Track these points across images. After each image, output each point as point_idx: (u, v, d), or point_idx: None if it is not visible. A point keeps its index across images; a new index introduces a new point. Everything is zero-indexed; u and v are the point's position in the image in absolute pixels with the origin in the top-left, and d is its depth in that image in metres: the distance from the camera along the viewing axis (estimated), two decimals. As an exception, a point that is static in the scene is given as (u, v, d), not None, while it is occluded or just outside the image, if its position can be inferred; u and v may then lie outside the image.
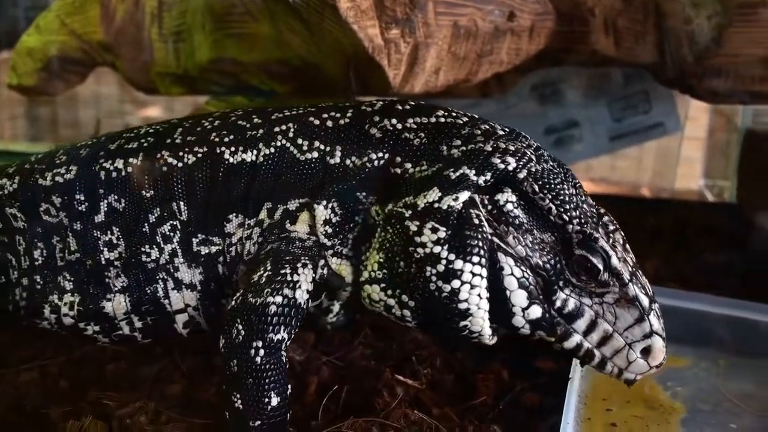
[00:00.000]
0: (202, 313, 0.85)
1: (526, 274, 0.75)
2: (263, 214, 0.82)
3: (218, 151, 0.84)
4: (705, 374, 1.01)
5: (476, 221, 0.73)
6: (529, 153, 0.77)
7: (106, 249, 0.84)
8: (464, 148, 0.77)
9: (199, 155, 0.84)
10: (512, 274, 0.74)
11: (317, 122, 0.83)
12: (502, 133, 0.80)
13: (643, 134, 1.61)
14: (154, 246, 0.83)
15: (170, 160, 0.84)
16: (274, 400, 0.74)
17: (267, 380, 0.74)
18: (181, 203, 0.83)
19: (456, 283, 0.72)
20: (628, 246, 0.81)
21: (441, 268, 0.73)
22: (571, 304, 0.76)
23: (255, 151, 0.83)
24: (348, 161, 0.81)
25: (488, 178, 0.75)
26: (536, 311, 0.75)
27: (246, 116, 0.87)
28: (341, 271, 0.81)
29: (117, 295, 0.84)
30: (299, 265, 0.77)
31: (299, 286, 0.76)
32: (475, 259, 0.72)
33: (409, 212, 0.74)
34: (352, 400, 0.90)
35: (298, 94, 1.29)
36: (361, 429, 0.81)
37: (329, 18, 1.00)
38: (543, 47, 1.26)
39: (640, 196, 2.07)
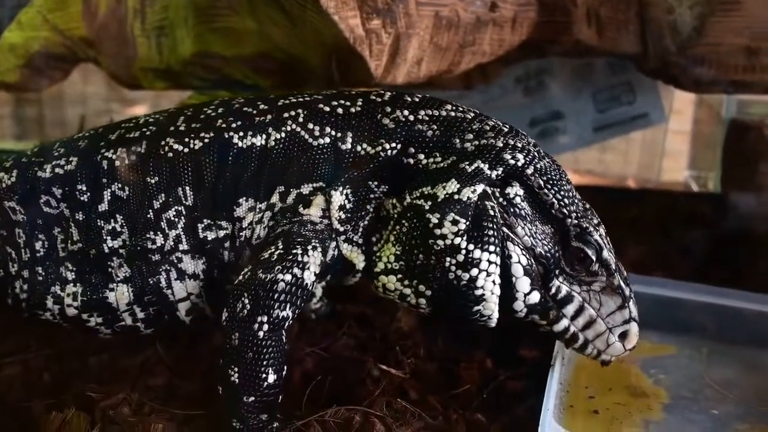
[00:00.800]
0: (206, 300, 0.86)
1: (530, 262, 0.80)
2: (275, 198, 0.83)
3: (226, 136, 0.84)
4: (688, 361, 1.01)
5: (491, 212, 0.78)
6: (533, 150, 0.81)
7: (109, 238, 0.84)
8: (477, 142, 0.81)
9: (206, 140, 0.84)
10: (519, 262, 0.79)
11: (327, 109, 0.84)
12: (506, 129, 0.83)
13: (628, 125, 1.62)
14: (159, 232, 0.84)
15: (176, 146, 0.84)
16: (271, 377, 0.75)
17: (267, 356, 0.75)
18: (187, 188, 0.84)
19: (474, 272, 0.77)
20: (608, 237, 0.85)
21: (461, 258, 0.76)
22: (564, 290, 0.81)
23: (264, 136, 0.83)
24: (359, 148, 0.82)
25: (500, 172, 0.79)
26: (535, 296, 0.80)
27: (250, 103, 0.87)
28: (352, 257, 0.83)
29: (120, 285, 0.85)
30: (309, 247, 0.79)
31: (308, 267, 0.77)
32: (491, 248, 0.77)
33: (429, 204, 0.77)
34: (336, 390, 0.90)
35: (282, 88, 1.29)
36: (344, 418, 0.81)
37: (310, 9, 1.00)
38: (526, 38, 1.26)
39: (625, 187, 2.08)
